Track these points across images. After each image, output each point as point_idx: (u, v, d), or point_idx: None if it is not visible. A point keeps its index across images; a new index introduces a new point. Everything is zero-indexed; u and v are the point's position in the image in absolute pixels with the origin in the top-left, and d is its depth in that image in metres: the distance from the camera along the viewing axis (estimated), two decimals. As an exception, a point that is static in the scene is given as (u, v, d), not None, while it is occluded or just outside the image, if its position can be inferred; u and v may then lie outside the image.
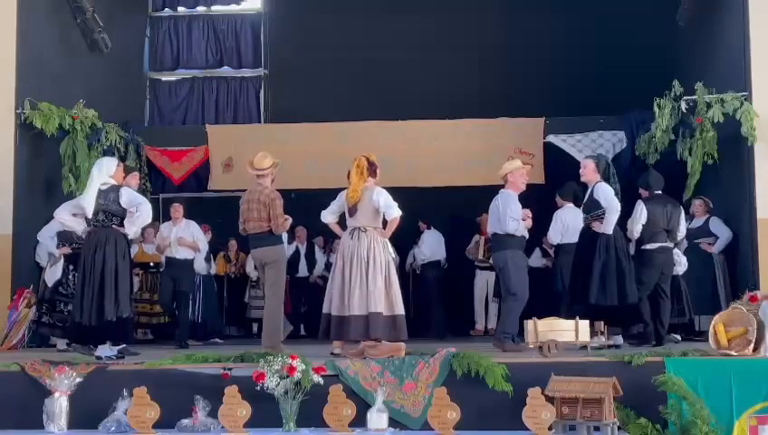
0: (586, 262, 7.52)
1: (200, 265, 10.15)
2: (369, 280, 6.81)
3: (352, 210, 7.02)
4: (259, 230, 7.62)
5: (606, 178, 7.69)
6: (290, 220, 7.72)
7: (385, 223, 7.08)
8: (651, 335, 7.86)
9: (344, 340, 6.94)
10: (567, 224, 8.90)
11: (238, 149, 11.36)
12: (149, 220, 7.48)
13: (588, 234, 7.66)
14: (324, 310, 7.03)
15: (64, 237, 8.72)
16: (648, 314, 7.88)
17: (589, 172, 7.72)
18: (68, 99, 10.13)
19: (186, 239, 9.59)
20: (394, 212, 7.01)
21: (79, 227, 7.26)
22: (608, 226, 7.47)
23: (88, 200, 7.07)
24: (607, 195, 7.50)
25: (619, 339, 7.63)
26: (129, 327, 7.31)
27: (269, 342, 7.53)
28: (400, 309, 6.88)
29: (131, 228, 7.21)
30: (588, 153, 10.60)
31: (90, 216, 7.07)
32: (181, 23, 14.84)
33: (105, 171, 7.22)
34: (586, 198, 7.74)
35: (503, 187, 7.79)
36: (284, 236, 10.50)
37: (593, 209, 7.59)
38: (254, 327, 11.57)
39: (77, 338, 7.23)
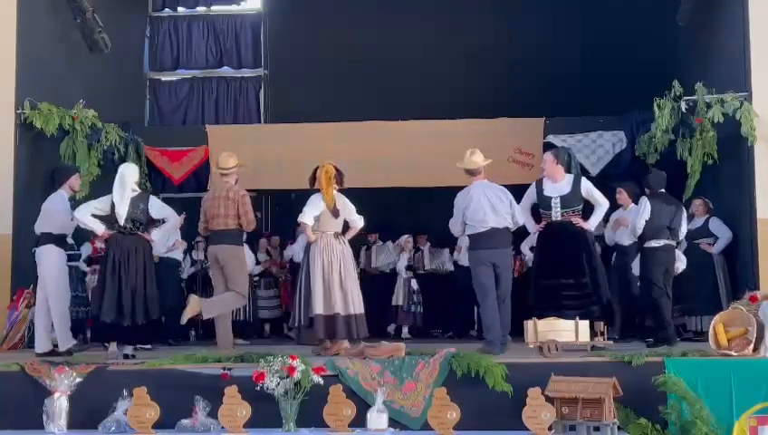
0: (570, 259, 7.34)
1: None
2: (355, 283, 7.45)
3: (336, 213, 7.43)
4: (224, 227, 7.79)
5: (568, 170, 7.60)
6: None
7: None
8: (674, 336, 7.77)
9: (342, 338, 7.11)
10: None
11: (238, 150, 11.32)
12: (176, 230, 7.61)
13: (559, 229, 7.43)
14: (319, 311, 7.16)
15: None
16: (669, 314, 7.80)
17: (549, 165, 7.55)
18: (68, 99, 10.12)
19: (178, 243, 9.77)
20: (361, 223, 7.70)
21: (98, 228, 7.32)
22: (596, 221, 7.46)
23: (123, 208, 7.20)
24: (598, 191, 7.47)
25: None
26: (158, 329, 7.49)
27: (224, 345, 7.66)
28: None
29: (158, 235, 7.41)
30: (588, 153, 10.63)
31: (122, 223, 7.19)
32: (181, 23, 14.82)
33: (133, 178, 7.38)
34: (565, 192, 7.46)
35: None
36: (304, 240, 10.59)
37: (574, 205, 7.44)
38: (267, 328, 11.61)
39: (98, 336, 7.32)
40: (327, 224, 7.46)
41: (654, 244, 7.90)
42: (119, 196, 7.21)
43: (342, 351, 6.94)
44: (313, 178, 7.58)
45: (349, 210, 7.58)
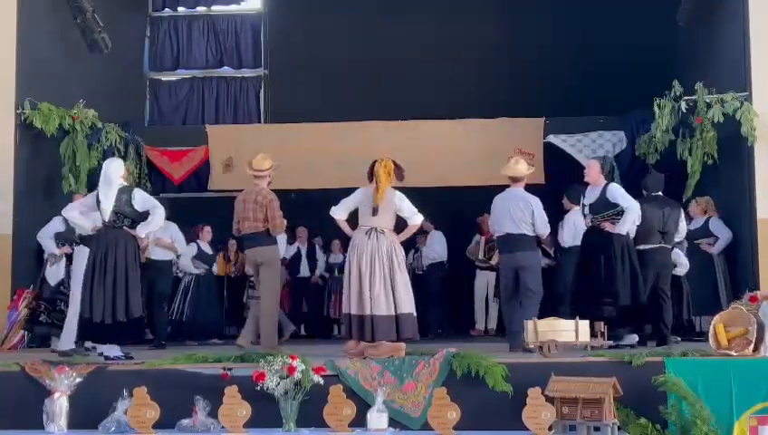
0: (597, 263, 7.47)
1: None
2: (395, 281, 6.89)
3: (375, 210, 7.03)
4: (254, 230, 7.75)
5: (611, 180, 7.70)
6: (285, 222, 7.83)
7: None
8: (669, 337, 7.85)
9: (368, 340, 6.81)
10: (578, 226, 8.77)
11: (238, 150, 11.34)
12: (162, 223, 7.49)
13: (594, 234, 7.61)
14: (346, 310, 6.98)
15: (64, 238, 8.75)
16: (667, 316, 7.87)
17: (594, 173, 7.71)
18: (68, 99, 10.13)
19: (163, 240, 9.52)
20: (418, 218, 7.19)
21: (88, 225, 7.28)
22: (624, 226, 7.46)
23: (108, 204, 7.07)
24: (624, 195, 7.50)
25: (634, 338, 7.64)
26: (140, 327, 7.38)
27: (268, 342, 7.55)
28: (414, 309, 7.03)
29: (143, 231, 7.22)
30: (588, 153, 10.60)
31: (107, 219, 7.09)
32: (181, 23, 14.84)
33: (118, 173, 7.24)
34: (594, 199, 7.65)
35: (507, 186, 7.78)
36: (283, 238, 10.65)
37: (604, 210, 7.55)
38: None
39: (81, 336, 7.26)
40: (363, 219, 7.13)
41: (642, 247, 7.89)
42: (103, 191, 7.12)
43: (385, 353, 6.64)
44: (371, 173, 7.18)
45: (402, 208, 7.13)
